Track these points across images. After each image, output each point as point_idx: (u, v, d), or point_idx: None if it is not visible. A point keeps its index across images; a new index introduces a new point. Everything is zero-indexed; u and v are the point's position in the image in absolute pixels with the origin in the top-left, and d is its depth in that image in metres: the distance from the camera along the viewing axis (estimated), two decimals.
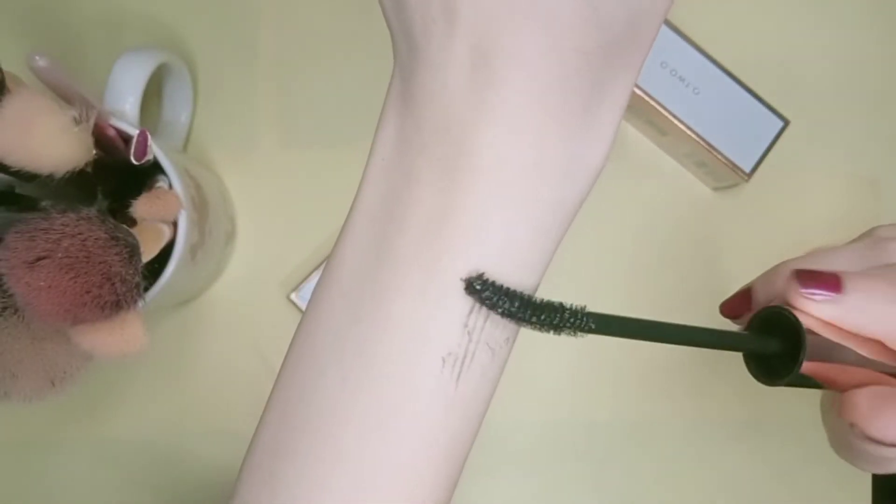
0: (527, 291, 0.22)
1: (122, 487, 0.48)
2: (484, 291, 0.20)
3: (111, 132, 0.37)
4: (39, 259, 0.30)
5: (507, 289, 0.21)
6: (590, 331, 0.21)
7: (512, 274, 0.21)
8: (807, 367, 0.24)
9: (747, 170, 0.46)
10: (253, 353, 0.47)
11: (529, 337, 0.50)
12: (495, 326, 0.21)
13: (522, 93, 0.20)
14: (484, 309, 0.21)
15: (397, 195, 0.22)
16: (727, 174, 0.46)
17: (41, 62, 0.36)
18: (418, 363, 0.21)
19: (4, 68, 0.34)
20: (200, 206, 0.41)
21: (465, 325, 0.21)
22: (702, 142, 0.45)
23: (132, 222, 0.37)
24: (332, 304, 0.23)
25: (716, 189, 0.50)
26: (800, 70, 0.50)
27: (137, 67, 0.40)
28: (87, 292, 0.31)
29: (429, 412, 0.21)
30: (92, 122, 0.35)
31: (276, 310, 0.48)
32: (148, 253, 0.35)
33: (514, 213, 0.21)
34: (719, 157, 0.45)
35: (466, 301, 0.21)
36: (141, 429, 0.48)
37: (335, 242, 0.23)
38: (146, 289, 0.35)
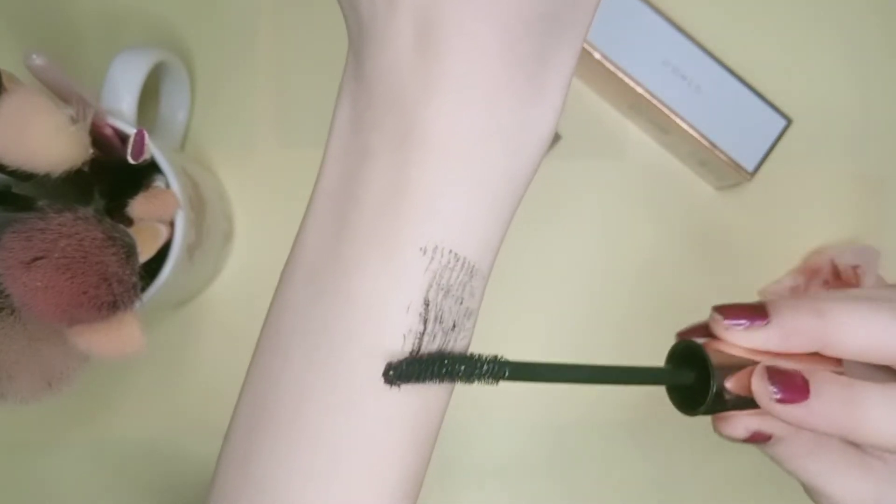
0: (486, 265, 0.22)
1: (121, 488, 0.48)
2: (401, 376, 0.21)
3: (108, 131, 0.37)
4: (36, 259, 0.30)
5: (422, 358, 0.21)
6: (504, 378, 0.21)
7: (469, 247, 0.21)
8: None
9: (750, 169, 0.46)
10: (251, 353, 0.47)
11: (526, 339, 0.50)
12: (457, 302, 0.22)
13: (467, 63, 0.20)
14: (444, 284, 0.21)
15: (354, 173, 0.22)
16: (730, 173, 0.46)
17: (38, 61, 0.36)
18: (378, 340, 0.21)
19: (1, 67, 0.34)
20: (198, 206, 0.41)
21: (425, 301, 0.21)
22: (704, 140, 0.45)
23: (129, 222, 0.37)
24: (297, 283, 0.23)
25: (718, 188, 0.50)
26: (803, 68, 0.50)
27: (135, 66, 0.40)
28: (84, 293, 0.31)
29: (390, 390, 0.21)
30: (89, 121, 0.35)
31: None
32: (145, 253, 0.35)
33: (466, 185, 0.21)
34: (722, 155, 0.45)
35: (425, 276, 0.21)
36: (139, 429, 0.47)
37: (300, 224, 0.23)
38: (143, 289, 0.35)
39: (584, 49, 0.45)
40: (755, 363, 0.24)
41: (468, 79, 0.20)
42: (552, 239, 0.49)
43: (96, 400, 0.48)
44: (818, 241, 0.49)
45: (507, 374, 0.21)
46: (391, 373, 0.21)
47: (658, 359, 0.26)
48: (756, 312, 0.24)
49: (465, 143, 0.21)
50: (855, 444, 0.26)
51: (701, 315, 0.27)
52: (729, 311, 0.24)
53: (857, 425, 0.23)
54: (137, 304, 0.33)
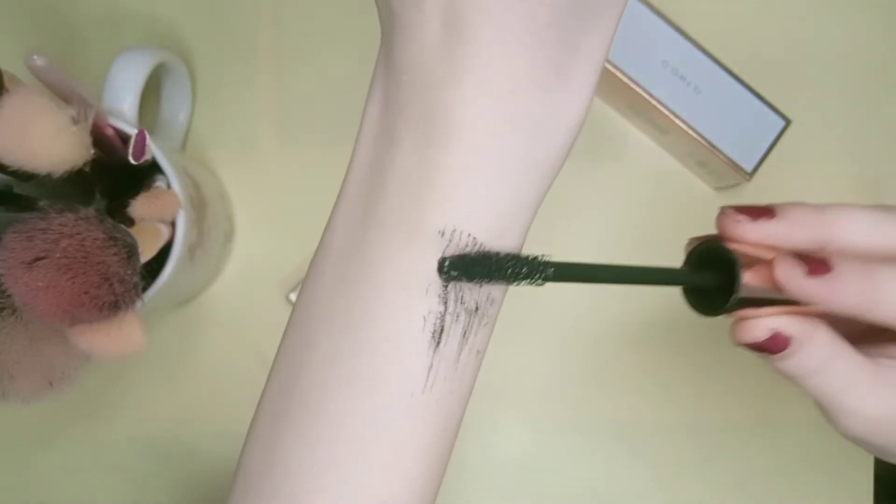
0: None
1: (122, 487, 0.48)
2: (451, 272, 0.21)
3: (109, 132, 0.37)
4: (37, 259, 0.30)
5: (469, 255, 0.21)
6: (548, 279, 0.22)
7: (489, 232, 0.21)
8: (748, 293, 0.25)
9: (749, 169, 0.46)
10: (252, 352, 0.47)
11: (532, 342, 0.50)
12: (476, 289, 0.22)
13: (493, 49, 0.20)
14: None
15: (381, 158, 0.22)
16: (729, 173, 0.46)
17: (39, 61, 0.36)
18: (401, 326, 0.21)
19: (3, 68, 0.34)
20: (199, 206, 0.41)
21: (447, 287, 0.21)
22: (703, 141, 0.45)
23: (130, 222, 0.37)
24: (325, 271, 0.23)
25: (717, 189, 0.50)
26: (801, 69, 0.50)
27: (136, 67, 0.40)
28: (86, 293, 0.31)
29: (412, 374, 0.21)
30: (90, 121, 0.35)
31: (275, 309, 0.48)
32: (146, 253, 0.35)
33: (490, 173, 0.21)
34: (721, 156, 0.45)
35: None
36: (140, 429, 0.48)
37: (331, 211, 0.24)
38: (145, 289, 0.35)
39: None
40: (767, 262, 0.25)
41: (493, 66, 0.20)
42: (551, 239, 0.49)
43: (97, 399, 0.48)
44: None
45: (552, 273, 0.22)
46: (445, 265, 0.21)
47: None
48: (763, 209, 0.25)
49: (489, 131, 0.21)
50: (869, 352, 0.26)
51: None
52: (740, 208, 0.25)
53: (875, 297, 0.24)
54: (139, 304, 0.33)
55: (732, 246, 0.25)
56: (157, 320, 0.48)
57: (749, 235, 0.25)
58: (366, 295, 0.22)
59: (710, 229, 0.50)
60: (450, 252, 0.21)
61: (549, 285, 0.22)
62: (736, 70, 0.46)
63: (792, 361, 0.25)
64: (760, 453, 0.49)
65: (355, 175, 0.23)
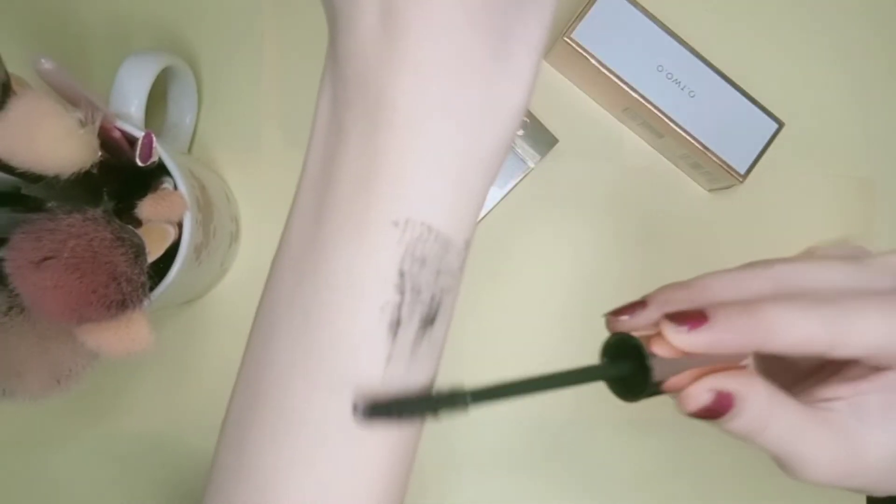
0: (461, 240, 0.22)
1: (128, 485, 0.48)
2: (375, 415, 0.21)
3: (117, 134, 0.37)
4: (46, 259, 0.30)
5: (391, 401, 0.21)
6: (468, 405, 0.22)
7: (441, 220, 0.21)
8: (667, 379, 0.25)
9: (742, 171, 0.46)
10: None
11: (519, 336, 0.50)
12: (434, 275, 0.22)
13: (427, 37, 0.20)
14: (418, 255, 0.21)
15: (331, 154, 0.22)
16: (722, 176, 0.47)
17: (47, 65, 0.36)
18: (356, 317, 0.21)
19: (11, 71, 0.34)
20: (205, 207, 0.41)
21: (400, 272, 0.21)
22: (697, 144, 0.46)
23: (138, 223, 0.37)
24: (283, 267, 0.23)
25: (711, 190, 0.50)
26: (794, 73, 0.51)
27: (142, 70, 0.40)
28: (93, 292, 0.31)
29: (369, 365, 0.21)
30: (97, 124, 0.35)
31: None
32: (153, 253, 0.35)
33: (430, 163, 0.21)
34: (714, 158, 0.46)
35: (398, 248, 0.21)
36: (146, 427, 0.48)
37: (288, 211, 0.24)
38: (151, 288, 0.35)
39: (580, 54, 0.46)
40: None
41: (429, 54, 0.20)
42: (547, 239, 0.49)
43: (105, 397, 0.48)
44: (809, 242, 0.49)
45: (469, 401, 0.22)
46: (365, 409, 0.21)
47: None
48: (635, 304, 0.26)
49: (429, 120, 0.21)
50: (801, 400, 0.25)
51: None
52: (616, 311, 0.26)
53: (766, 330, 0.23)
54: (146, 303, 0.34)
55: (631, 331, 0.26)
56: (164, 319, 0.48)
57: (634, 326, 0.26)
58: (321, 289, 0.22)
59: (703, 230, 0.51)
60: (406, 240, 0.21)
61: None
62: (729, 74, 0.46)
63: (742, 419, 0.24)
64: (755, 452, 0.49)
65: (309, 172, 0.23)
